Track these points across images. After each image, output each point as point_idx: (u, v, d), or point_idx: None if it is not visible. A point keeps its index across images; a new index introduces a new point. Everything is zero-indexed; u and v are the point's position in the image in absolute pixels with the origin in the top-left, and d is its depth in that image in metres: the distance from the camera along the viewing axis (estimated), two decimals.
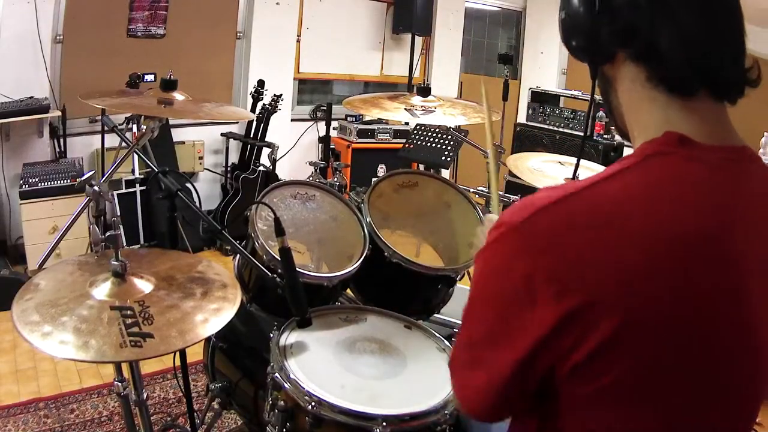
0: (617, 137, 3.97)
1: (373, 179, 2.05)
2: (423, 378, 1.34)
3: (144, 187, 3.72)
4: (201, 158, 4.35)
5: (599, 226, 0.64)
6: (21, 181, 3.32)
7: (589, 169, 2.12)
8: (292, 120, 4.79)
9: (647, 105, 0.70)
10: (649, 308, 0.63)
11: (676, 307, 0.64)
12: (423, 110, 1.91)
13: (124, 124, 3.49)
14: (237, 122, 4.52)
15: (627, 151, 3.75)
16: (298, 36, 4.72)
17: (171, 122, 4.06)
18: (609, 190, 0.66)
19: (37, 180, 3.31)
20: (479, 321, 0.74)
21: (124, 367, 1.40)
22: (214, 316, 1.18)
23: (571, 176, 2.01)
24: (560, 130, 4.23)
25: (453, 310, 2.36)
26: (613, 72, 0.73)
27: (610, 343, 0.63)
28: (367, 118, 4.72)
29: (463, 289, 2.23)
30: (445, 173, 4.01)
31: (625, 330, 0.63)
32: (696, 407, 0.68)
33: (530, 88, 4.59)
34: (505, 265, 0.68)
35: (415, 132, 3.16)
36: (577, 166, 1.30)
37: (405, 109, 1.91)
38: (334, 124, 4.68)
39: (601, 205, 0.65)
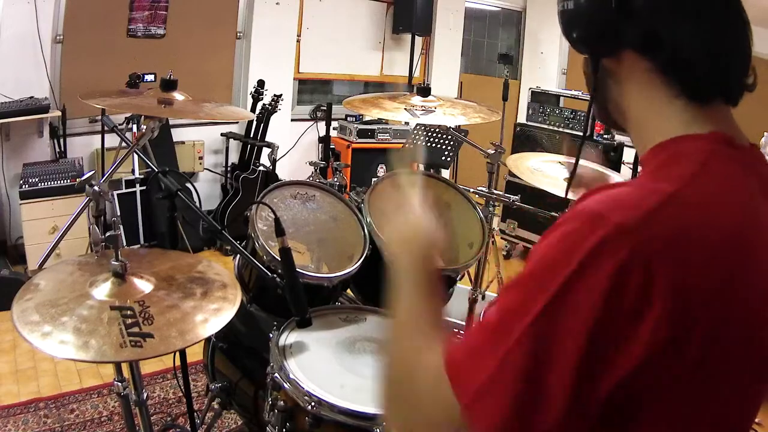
0: (617, 137, 3.97)
1: (373, 179, 2.05)
2: None
3: (144, 187, 3.72)
4: (201, 158, 4.35)
5: (707, 236, 0.61)
6: (21, 181, 3.32)
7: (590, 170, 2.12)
8: (292, 120, 4.79)
9: (666, 109, 0.69)
10: (733, 322, 0.62)
11: (750, 318, 0.64)
12: (423, 110, 1.91)
13: (124, 124, 3.49)
14: (237, 122, 4.53)
15: (627, 151, 3.75)
16: (298, 36, 4.72)
17: (171, 122, 4.06)
18: (697, 197, 0.63)
19: (37, 180, 3.31)
20: (564, 348, 0.59)
21: (124, 367, 1.41)
22: (214, 316, 1.18)
23: (569, 176, 2.01)
24: (560, 130, 4.23)
25: (453, 310, 2.37)
26: (616, 66, 0.72)
27: (696, 360, 0.60)
28: (367, 118, 4.72)
29: (463, 289, 2.23)
30: (445, 173, 4.01)
31: (710, 344, 0.61)
32: (731, 412, 0.69)
33: (530, 88, 4.59)
34: (619, 271, 0.58)
35: (415, 132, 3.16)
36: (576, 165, 1.23)
37: (405, 109, 1.91)
38: (334, 124, 4.68)
39: (702, 214, 0.62)
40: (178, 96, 1.73)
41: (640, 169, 0.74)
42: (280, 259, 1.37)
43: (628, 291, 0.57)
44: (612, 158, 3.89)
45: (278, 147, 4.09)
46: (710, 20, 0.66)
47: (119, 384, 1.41)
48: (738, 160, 0.67)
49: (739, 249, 0.63)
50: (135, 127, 3.43)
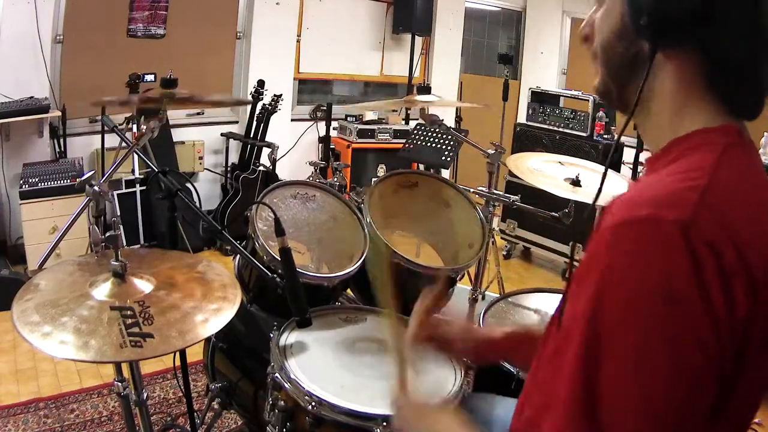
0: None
1: (373, 179, 2.05)
2: (423, 378, 1.34)
3: (144, 187, 3.72)
4: (201, 158, 4.35)
5: (749, 217, 0.64)
6: (21, 181, 3.32)
7: (591, 170, 2.12)
8: (292, 120, 4.79)
9: (695, 107, 0.71)
10: None
11: None
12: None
13: (124, 124, 3.49)
14: (237, 122, 4.53)
15: (627, 151, 3.75)
16: (298, 36, 4.72)
17: (171, 122, 4.06)
18: (726, 182, 0.66)
19: (37, 180, 3.31)
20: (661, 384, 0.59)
21: (124, 367, 1.40)
22: (214, 316, 1.18)
23: (572, 177, 2.01)
24: (560, 130, 4.23)
25: (453, 310, 2.36)
26: (662, 58, 0.71)
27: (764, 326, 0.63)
28: (367, 118, 4.73)
29: (463, 289, 2.23)
30: (445, 173, 4.01)
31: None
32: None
33: (530, 88, 4.59)
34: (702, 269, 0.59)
35: (415, 132, 3.16)
36: (603, 178, 1.24)
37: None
38: (334, 124, 4.68)
39: (738, 197, 0.66)
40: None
41: (644, 161, 0.75)
42: (280, 259, 1.37)
43: (715, 283, 0.59)
44: (612, 158, 3.89)
45: (278, 147, 4.09)
46: (760, 36, 0.69)
47: (119, 384, 1.41)
48: (747, 151, 0.71)
49: None
50: (135, 127, 3.42)
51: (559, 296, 0.78)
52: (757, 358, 0.64)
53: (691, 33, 0.68)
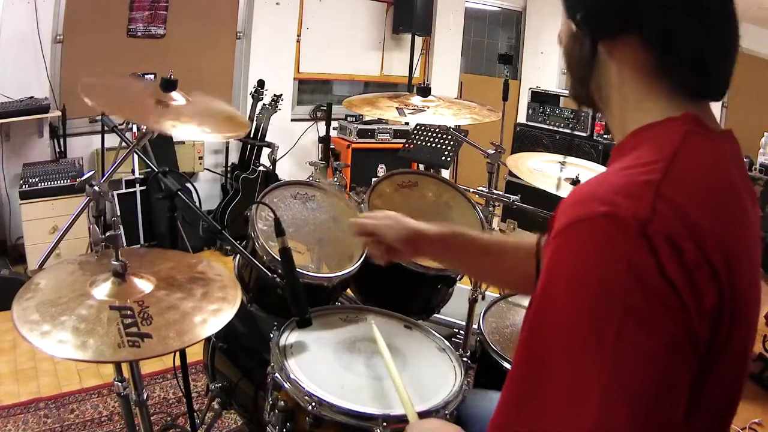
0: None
1: (373, 179, 2.05)
2: (423, 378, 1.34)
3: (144, 187, 3.72)
4: (201, 158, 4.35)
5: (707, 207, 0.63)
6: (21, 181, 3.32)
7: (592, 170, 2.12)
8: (292, 120, 4.79)
9: (651, 97, 0.71)
10: (743, 278, 0.65)
11: (753, 278, 0.68)
12: (413, 110, 1.90)
13: (124, 124, 3.49)
14: None
15: None
16: (298, 36, 4.72)
17: None
18: (685, 172, 0.65)
19: (37, 180, 3.31)
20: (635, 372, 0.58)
21: (125, 367, 1.40)
22: (213, 317, 1.18)
23: (572, 177, 2.01)
24: (560, 130, 4.23)
25: (453, 310, 2.37)
26: (609, 50, 0.72)
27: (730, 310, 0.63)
28: (367, 118, 4.72)
29: (463, 289, 2.23)
30: (445, 173, 4.01)
31: (730, 302, 0.63)
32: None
33: (530, 88, 4.59)
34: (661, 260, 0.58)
35: (415, 132, 3.16)
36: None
37: (396, 108, 1.90)
38: (334, 124, 4.68)
39: (697, 188, 0.65)
40: (177, 97, 1.72)
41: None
42: (280, 259, 1.37)
43: (680, 277, 0.58)
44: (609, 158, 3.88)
45: (278, 147, 4.09)
46: (715, 20, 0.68)
47: (119, 384, 1.41)
48: (709, 137, 0.69)
49: (733, 205, 0.67)
50: (135, 127, 3.42)
51: None
52: (726, 345, 0.64)
53: (625, 21, 0.68)
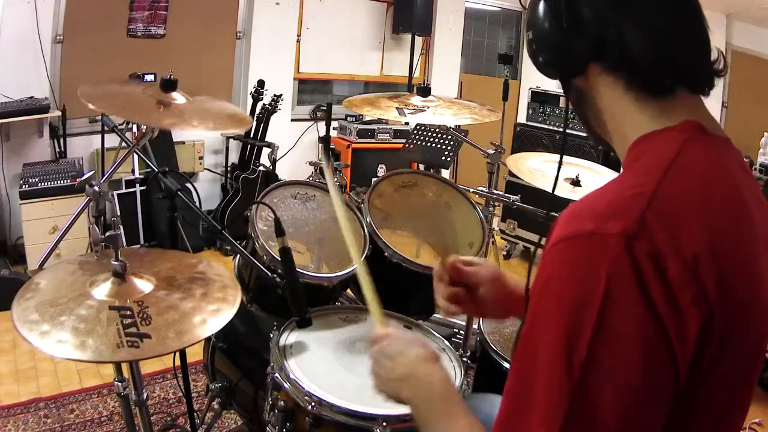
0: None
1: (373, 179, 2.05)
2: None
3: (144, 187, 3.72)
4: (201, 158, 4.35)
5: (703, 220, 0.62)
6: (21, 181, 3.32)
7: (592, 170, 2.12)
8: (292, 120, 4.79)
9: (632, 109, 0.70)
10: (743, 294, 0.63)
11: (755, 292, 0.65)
12: (413, 110, 1.90)
13: (124, 124, 3.49)
14: None
15: None
16: (298, 36, 4.72)
17: None
18: (680, 184, 0.64)
19: (37, 180, 3.31)
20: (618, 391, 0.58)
21: (125, 367, 1.40)
22: (213, 317, 1.18)
23: (572, 177, 2.01)
24: (560, 130, 4.23)
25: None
26: (586, 83, 0.73)
27: (719, 337, 0.61)
28: (367, 118, 4.72)
29: None
30: (445, 173, 4.01)
31: (724, 320, 0.61)
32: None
33: (530, 88, 4.59)
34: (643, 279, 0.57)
35: (415, 132, 3.16)
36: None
37: (396, 108, 1.91)
38: (334, 124, 4.68)
39: (693, 199, 0.63)
40: (177, 96, 1.73)
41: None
42: (280, 259, 1.37)
43: (660, 296, 0.57)
44: (612, 158, 3.89)
45: (278, 147, 4.09)
46: (655, 15, 0.68)
47: (119, 384, 1.41)
48: (711, 144, 0.68)
49: (735, 216, 0.65)
50: (135, 127, 3.42)
51: None
52: (712, 370, 0.62)
53: (578, 49, 0.70)
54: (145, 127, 1.58)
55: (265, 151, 4.16)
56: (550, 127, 4.30)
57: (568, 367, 0.58)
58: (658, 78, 0.68)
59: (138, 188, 3.70)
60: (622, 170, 0.72)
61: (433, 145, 2.99)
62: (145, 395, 1.39)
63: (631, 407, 0.58)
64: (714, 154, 0.68)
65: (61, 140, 3.66)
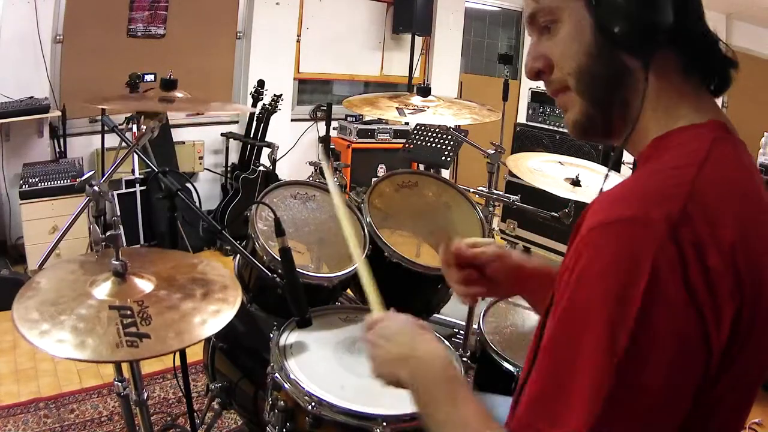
0: None
1: (373, 179, 2.05)
2: None
3: (144, 187, 3.72)
4: (201, 158, 4.35)
5: (735, 212, 0.62)
6: (21, 181, 3.32)
7: (591, 170, 2.12)
8: (292, 120, 4.79)
9: (674, 102, 0.71)
10: (766, 289, 0.63)
11: None
12: (413, 109, 1.90)
13: (124, 124, 3.49)
14: (237, 122, 4.53)
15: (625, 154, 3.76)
16: (298, 36, 4.72)
17: (171, 122, 4.06)
18: (715, 177, 0.64)
19: (37, 180, 3.31)
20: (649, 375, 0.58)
21: (125, 367, 1.40)
22: (213, 317, 1.17)
23: (572, 177, 2.01)
24: (560, 130, 4.23)
25: (453, 310, 2.37)
26: (641, 65, 0.70)
27: (744, 330, 0.62)
28: (367, 118, 4.72)
29: None
30: (445, 173, 4.01)
31: (752, 317, 0.62)
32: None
33: (530, 88, 4.58)
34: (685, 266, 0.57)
35: (415, 132, 3.16)
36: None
37: (396, 108, 1.91)
38: (334, 124, 4.68)
39: (727, 193, 0.64)
40: (178, 95, 1.73)
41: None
42: (280, 259, 1.37)
43: (701, 283, 0.57)
44: (612, 158, 3.88)
45: (278, 147, 4.09)
46: (702, 14, 0.70)
47: (119, 384, 1.41)
48: (733, 143, 0.69)
49: (759, 211, 0.66)
50: (135, 127, 3.42)
51: None
52: (743, 354, 0.63)
53: (667, 32, 0.67)
54: (144, 126, 1.58)
55: (265, 151, 4.15)
56: (550, 127, 4.29)
57: (611, 352, 0.58)
58: (716, 71, 0.70)
59: (138, 188, 3.70)
60: (641, 159, 0.72)
61: (433, 145, 2.99)
62: (145, 395, 1.39)
63: (669, 390, 0.59)
64: (738, 154, 0.69)
65: (61, 140, 3.66)
